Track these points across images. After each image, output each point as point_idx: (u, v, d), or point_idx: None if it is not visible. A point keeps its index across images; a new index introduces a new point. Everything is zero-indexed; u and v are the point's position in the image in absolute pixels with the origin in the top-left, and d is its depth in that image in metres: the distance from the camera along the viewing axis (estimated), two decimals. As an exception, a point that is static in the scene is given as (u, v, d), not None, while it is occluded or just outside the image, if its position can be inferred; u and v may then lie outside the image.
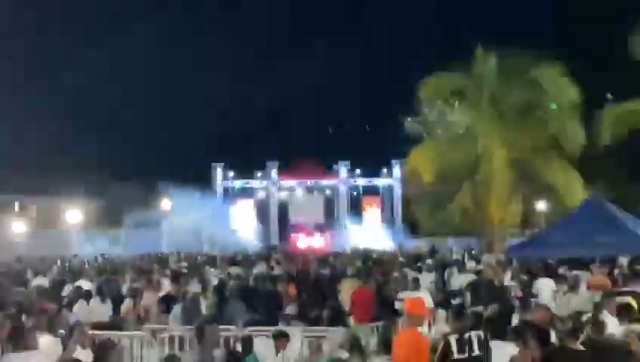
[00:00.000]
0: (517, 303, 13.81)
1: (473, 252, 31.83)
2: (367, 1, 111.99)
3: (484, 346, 9.07)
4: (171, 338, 13.05)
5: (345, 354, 10.56)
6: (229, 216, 53.99)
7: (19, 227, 48.25)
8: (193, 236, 47.01)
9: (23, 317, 12.45)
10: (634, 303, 11.89)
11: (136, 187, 50.14)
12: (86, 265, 30.11)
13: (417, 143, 33.49)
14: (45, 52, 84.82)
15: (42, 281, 21.27)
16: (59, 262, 30.75)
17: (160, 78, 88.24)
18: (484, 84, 30.72)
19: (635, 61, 25.69)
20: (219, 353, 9.37)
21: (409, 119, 34.10)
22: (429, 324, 12.54)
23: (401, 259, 29.11)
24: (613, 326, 10.60)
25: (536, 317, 10.46)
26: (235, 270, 24.24)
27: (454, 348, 8.98)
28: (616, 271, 19.37)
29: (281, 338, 11.20)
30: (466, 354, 8.91)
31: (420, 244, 41.74)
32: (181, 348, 12.22)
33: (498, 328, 9.69)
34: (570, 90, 29.04)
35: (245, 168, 57.61)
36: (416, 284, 16.96)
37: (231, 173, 57.94)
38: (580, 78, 29.94)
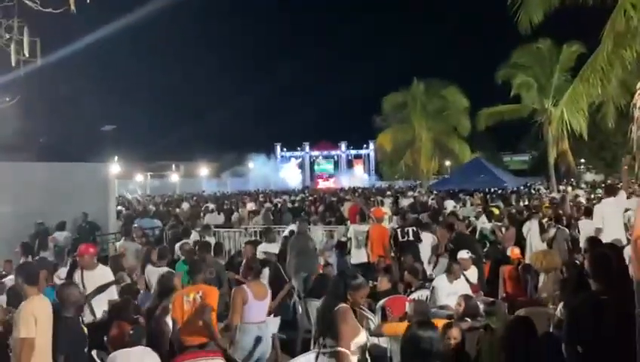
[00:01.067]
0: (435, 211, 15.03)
1: (412, 186, 35.58)
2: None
3: (416, 235, 9.79)
4: (255, 232, 14.05)
5: (344, 238, 11.49)
6: (280, 171, 58.88)
7: (174, 177, 49.08)
8: (264, 181, 50.07)
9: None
10: (497, 211, 13.45)
11: (234, 155, 55.25)
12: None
13: (382, 130, 35.40)
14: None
15: (186, 205, 23.34)
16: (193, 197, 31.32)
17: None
18: (417, 98, 33.00)
19: (497, 84, 25.88)
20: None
21: (378, 117, 36.38)
22: (389, 222, 12.50)
23: (374, 191, 33.23)
24: (486, 224, 12.09)
25: (448, 219, 11.38)
26: (284, 197, 28.15)
27: (399, 235, 9.80)
28: (487, 196, 21.39)
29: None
30: (406, 239, 9.69)
31: (383, 184, 43.10)
32: (260, 236, 12.33)
33: (425, 225, 10.73)
34: (462, 100, 31.95)
35: (292, 145, 63.81)
36: (381, 203, 18.80)
37: (284, 148, 63.51)
38: (468, 93, 32.31)
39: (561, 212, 12.43)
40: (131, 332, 5.22)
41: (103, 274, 6.45)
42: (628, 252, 6.36)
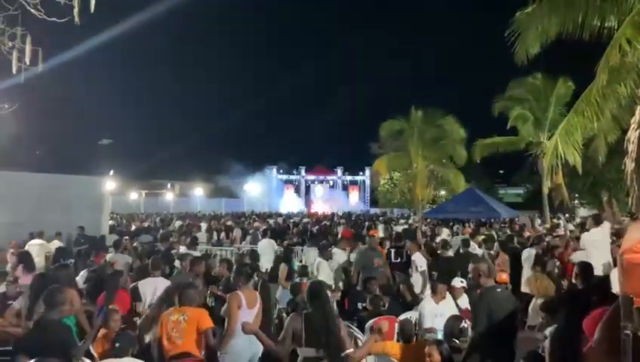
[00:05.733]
0: (429, 238, 16.49)
1: (405, 215, 35.85)
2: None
3: (408, 256, 10.05)
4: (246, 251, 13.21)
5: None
6: (275, 193, 58.72)
7: (169, 196, 49.22)
8: (259, 203, 51.17)
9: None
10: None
11: (229, 176, 54.29)
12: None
13: (378, 157, 34.81)
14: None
15: (178, 223, 23.52)
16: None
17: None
18: (414, 126, 32.02)
19: (494, 116, 26.50)
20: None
21: (374, 144, 36.74)
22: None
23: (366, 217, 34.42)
24: (477, 250, 11.85)
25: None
26: (279, 219, 29.03)
27: (392, 255, 10.27)
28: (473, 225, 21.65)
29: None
30: (398, 260, 10.11)
31: (378, 211, 42.08)
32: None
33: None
34: (459, 130, 31.13)
35: (288, 169, 63.27)
36: (375, 227, 20.07)
37: (280, 171, 62.90)
38: (466, 124, 31.49)
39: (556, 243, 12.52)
40: (117, 344, 5.16)
41: None
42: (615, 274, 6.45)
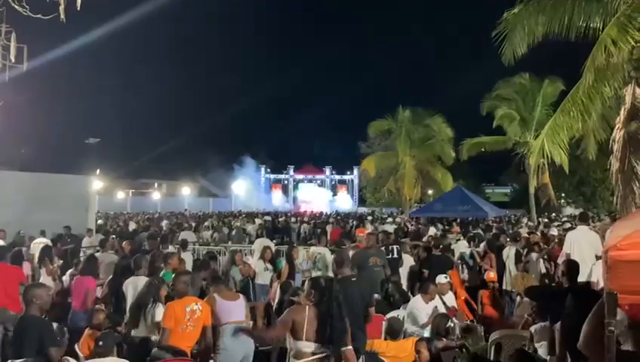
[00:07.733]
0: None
1: (394, 213, 35.48)
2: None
3: (399, 253, 10.21)
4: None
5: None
6: (263, 193, 59.01)
7: (156, 196, 48.82)
8: (247, 202, 50.74)
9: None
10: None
11: (217, 175, 54.92)
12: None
13: (367, 156, 35.55)
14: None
15: (165, 223, 23.65)
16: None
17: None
18: (402, 126, 32.63)
19: (481, 116, 26.66)
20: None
21: (362, 144, 37.55)
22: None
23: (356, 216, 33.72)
24: (465, 248, 12.41)
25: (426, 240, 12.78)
26: (267, 218, 29.26)
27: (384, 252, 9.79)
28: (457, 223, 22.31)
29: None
30: (390, 256, 9.86)
31: (366, 210, 43.29)
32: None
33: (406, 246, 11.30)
34: (447, 129, 31.88)
35: (277, 169, 63.68)
36: (363, 226, 20.14)
37: (268, 170, 63.13)
38: (453, 123, 32.30)
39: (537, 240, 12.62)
40: (100, 343, 5.09)
41: None
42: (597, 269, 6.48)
